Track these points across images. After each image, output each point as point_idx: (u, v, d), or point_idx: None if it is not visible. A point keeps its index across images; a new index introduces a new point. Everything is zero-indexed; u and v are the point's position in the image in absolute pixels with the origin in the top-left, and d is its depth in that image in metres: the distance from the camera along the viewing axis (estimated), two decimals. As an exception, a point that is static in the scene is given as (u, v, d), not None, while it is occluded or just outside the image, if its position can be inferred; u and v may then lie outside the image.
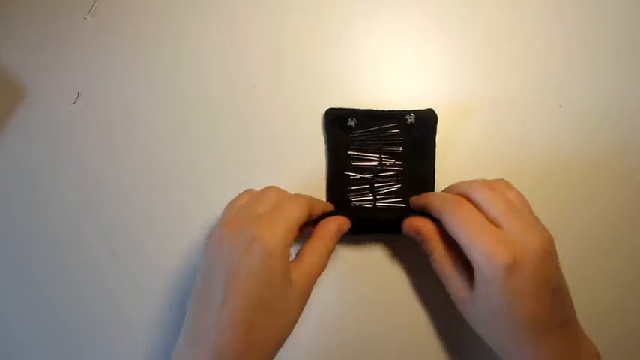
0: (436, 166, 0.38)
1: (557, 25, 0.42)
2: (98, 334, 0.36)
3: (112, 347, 0.36)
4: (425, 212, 0.33)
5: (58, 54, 0.42)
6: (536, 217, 0.30)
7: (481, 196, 0.30)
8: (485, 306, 0.28)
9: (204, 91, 0.41)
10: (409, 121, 0.37)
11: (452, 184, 0.33)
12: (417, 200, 0.34)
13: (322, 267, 0.31)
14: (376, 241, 0.38)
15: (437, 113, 0.38)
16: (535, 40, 0.42)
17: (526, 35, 0.42)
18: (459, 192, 0.31)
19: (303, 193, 0.33)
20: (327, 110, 0.38)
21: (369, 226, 0.35)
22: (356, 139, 0.38)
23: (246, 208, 0.30)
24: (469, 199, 0.30)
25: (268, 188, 0.32)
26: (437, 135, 0.38)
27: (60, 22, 0.43)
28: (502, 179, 0.32)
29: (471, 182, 0.32)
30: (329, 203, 0.36)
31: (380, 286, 0.37)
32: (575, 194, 0.38)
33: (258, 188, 0.33)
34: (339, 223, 0.33)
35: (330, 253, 0.32)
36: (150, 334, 0.36)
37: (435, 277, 0.32)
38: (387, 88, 0.41)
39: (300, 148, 0.39)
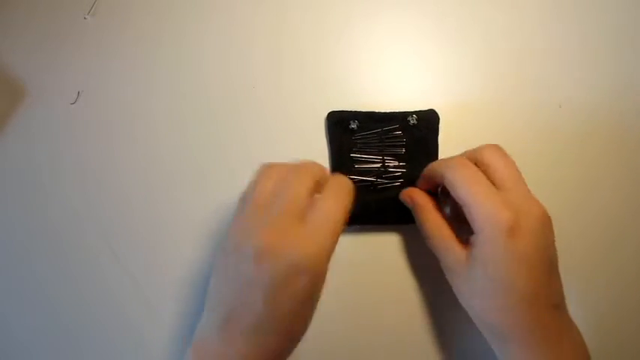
0: None
1: (556, 25, 0.42)
2: (98, 334, 0.36)
3: (112, 347, 0.36)
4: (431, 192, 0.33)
5: (58, 54, 0.42)
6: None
7: (487, 156, 0.30)
8: (481, 272, 0.28)
9: (205, 91, 0.41)
10: (411, 122, 0.37)
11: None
12: (423, 173, 0.34)
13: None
14: (377, 237, 0.38)
15: (438, 113, 0.38)
16: (535, 40, 0.42)
17: (526, 35, 0.42)
18: (467, 156, 0.31)
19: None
20: (329, 113, 0.38)
21: (371, 212, 0.35)
22: (358, 141, 0.38)
23: (280, 208, 0.27)
24: (475, 162, 0.30)
25: (301, 171, 0.28)
26: (439, 135, 0.38)
27: (60, 22, 0.43)
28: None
29: (479, 146, 0.31)
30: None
31: (379, 281, 0.37)
32: (575, 194, 0.38)
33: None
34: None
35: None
36: (150, 333, 0.36)
37: (435, 272, 0.32)
38: (388, 88, 0.41)
39: (300, 147, 0.39)
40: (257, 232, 0.26)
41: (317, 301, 0.27)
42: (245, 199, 0.29)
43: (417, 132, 0.37)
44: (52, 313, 0.37)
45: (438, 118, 0.38)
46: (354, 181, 0.36)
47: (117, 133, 0.40)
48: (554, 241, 0.29)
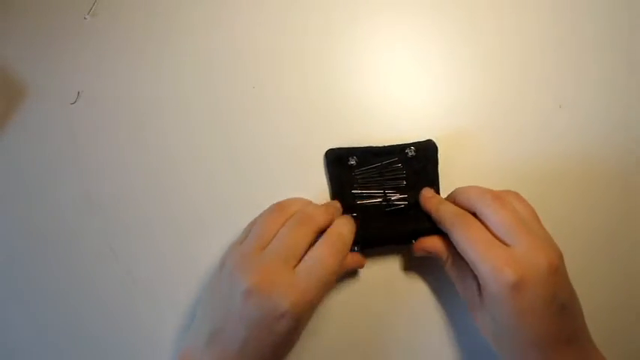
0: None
1: (557, 25, 0.42)
2: (97, 335, 0.36)
3: (111, 348, 0.36)
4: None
5: (58, 54, 0.42)
6: (545, 230, 0.30)
7: (490, 210, 0.30)
8: (491, 320, 0.29)
9: (205, 91, 0.41)
10: (409, 154, 0.37)
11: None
12: (426, 203, 0.34)
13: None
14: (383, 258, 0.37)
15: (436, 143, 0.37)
16: (535, 40, 0.42)
17: (526, 35, 0.42)
18: (469, 204, 0.31)
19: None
20: (327, 151, 0.38)
21: (377, 236, 0.34)
22: (358, 177, 0.37)
23: (277, 251, 0.29)
24: (477, 213, 0.30)
25: (303, 220, 0.31)
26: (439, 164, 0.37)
27: (60, 22, 0.43)
28: (512, 191, 0.32)
29: (481, 193, 0.31)
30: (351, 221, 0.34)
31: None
32: (575, 194, 0.38)
33: (263, 193, 0.34)
34: (357, 262, 0.34)
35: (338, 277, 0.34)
36: (150, 334, 0.36)
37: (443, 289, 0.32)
38: (387, 90, 0.41)
39: (303, 148, 0.39)
40: (251, 270, 0.28)
41: (296, 341, 0.29)
42: (250, 230, 0.32)
43: (417, 163, 0.37)
44: (52, 313, 0.37)
45: (436, 148, 0.37)
46: (359, 207, 0.36)
47: (117, 133, 0.40)
48: (566, 283, 0.29)
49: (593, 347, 0.29)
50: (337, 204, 0.35)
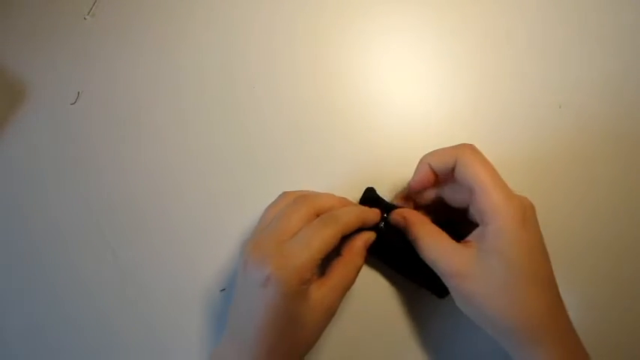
0: None
1: (557, 25, 0.42)
2: (97, 336, 0.36)
3: (112, 348, 0.36)
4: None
5: (58, 54, 0.42)
6: None
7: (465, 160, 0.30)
8: (498, 264, 0.27)
9: (205, 91, 0.41)
10: None
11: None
12: (426, 163, 0.33)
13: (350, 284, 0.31)
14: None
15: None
16: (535, 40, 0.42)
17: (526, 35, 0.42)
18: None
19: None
20: (368, 188, 0.37)
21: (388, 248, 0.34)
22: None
23: (271, 229, 0.30)
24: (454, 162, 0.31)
25: (301, 201, 0.31)
26: None
27: (60, 22, 0.43)
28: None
29: (455, 148, 0.31)
30: (370, 212, 0.33)
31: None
32: (575, 194, 0.38)
33: (266, 185, 0.34)
34: (364, 239, 0.33)
35: (358, 269, 0.32)
36: (151, 335, 0.36)
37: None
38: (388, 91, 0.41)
39: (308, 150, 0.39)
40: (248, 247, 0.30)
41: (298, 325, 0.28)
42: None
43: None
44: (52, 314, 0.37)
45: None
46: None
47: (117, 134, 0.40)
48: None
49: None
50: (352, 202, 0.35)
